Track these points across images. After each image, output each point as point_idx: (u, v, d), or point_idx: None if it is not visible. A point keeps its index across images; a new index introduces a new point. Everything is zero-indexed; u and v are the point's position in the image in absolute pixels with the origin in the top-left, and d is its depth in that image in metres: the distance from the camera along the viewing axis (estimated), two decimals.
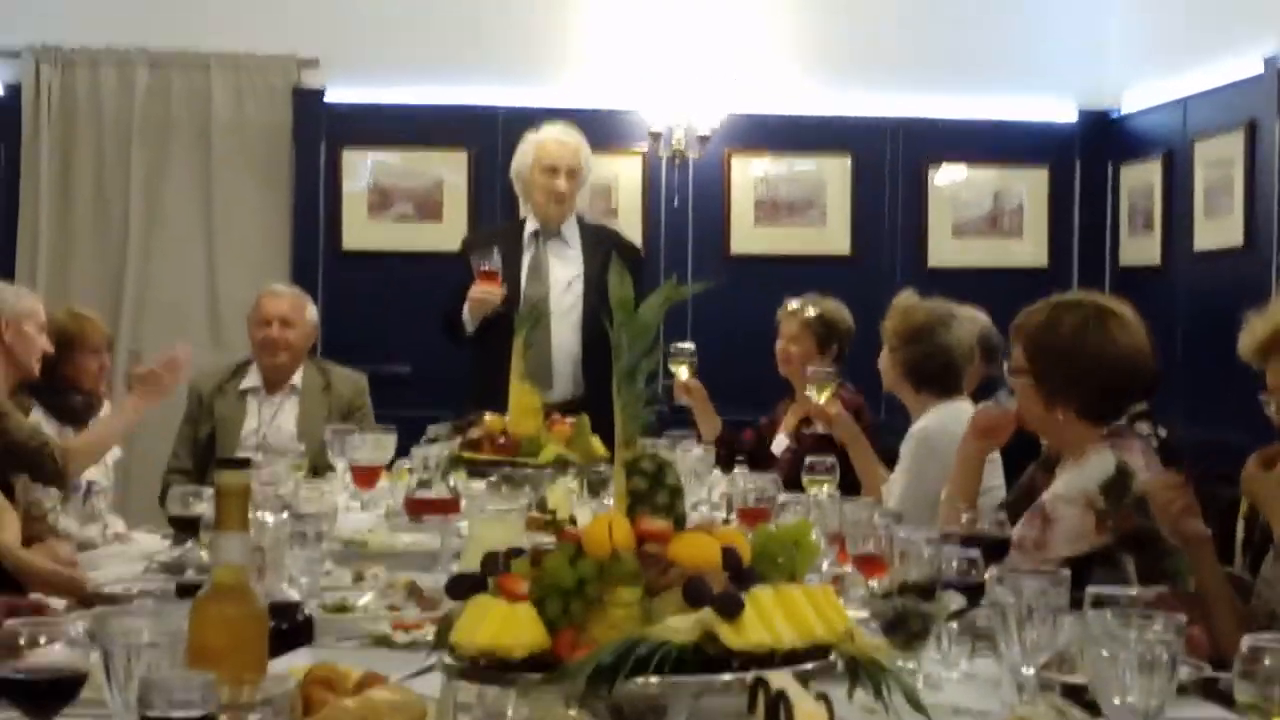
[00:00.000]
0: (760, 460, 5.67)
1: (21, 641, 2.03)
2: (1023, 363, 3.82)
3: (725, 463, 5.79)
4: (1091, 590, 2.49)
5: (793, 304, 6.03)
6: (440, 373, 7.12)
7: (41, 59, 8.16)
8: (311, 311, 6.34)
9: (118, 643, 2.05)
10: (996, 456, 4.86)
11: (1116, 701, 2.10)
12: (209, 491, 3.37)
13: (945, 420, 4.85)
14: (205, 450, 6.02)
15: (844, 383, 5.64)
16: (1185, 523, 3.41)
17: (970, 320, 5.33)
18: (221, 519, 2.00)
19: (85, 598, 3.61)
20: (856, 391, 5.76)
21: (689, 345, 5.89)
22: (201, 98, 8.28)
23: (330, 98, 8.37)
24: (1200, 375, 6.53)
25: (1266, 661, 2.07)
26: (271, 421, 6.10)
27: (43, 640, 2.04)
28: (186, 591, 2.92)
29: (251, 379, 6.22)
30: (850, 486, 4.97)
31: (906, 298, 5.20)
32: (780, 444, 5.84)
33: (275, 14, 8.31)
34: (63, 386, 5.65)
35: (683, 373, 5.86)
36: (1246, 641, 2.12)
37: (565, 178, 6.16)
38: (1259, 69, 7.19)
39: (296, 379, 6.21)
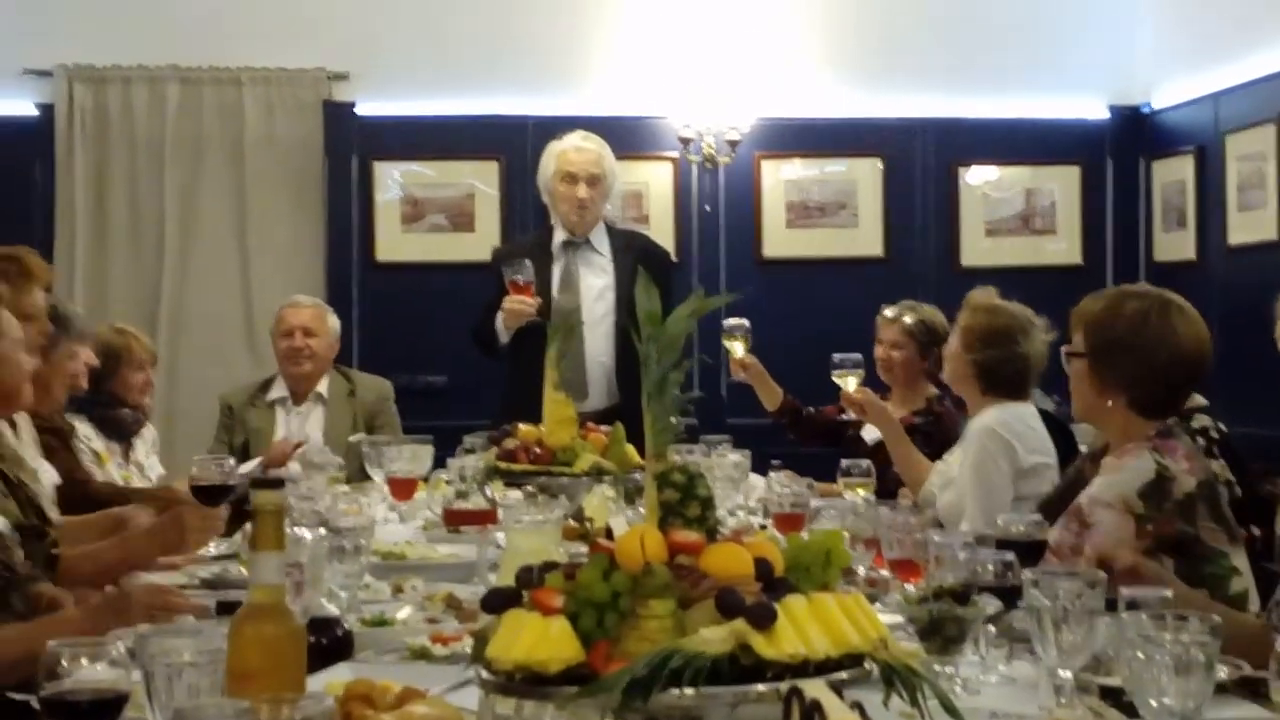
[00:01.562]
0: (851, 445, 5.71)
1: (64, 662, 2.05)
2: (1080, 347, 3.76)
3: (793, 426, 5.84)
4: (1126, 593, 2.48)
5: (889, 311, 5.99)
6: (476, 383, 7.14)
7: (74, 78, 8.23)
8: (333, 321, 6.42)
9: (159, 662, 2.07)
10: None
11: (1153, 704, 2.10)
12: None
13: (1009, 417, 4.82)
14: (239, 461, 6.04)
15: (943, 396, 5.65)
16: (1143, 569, 3.34)
17: (1044, 329, 5.27)
18: (257, 539, 2.02)
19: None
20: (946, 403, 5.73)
21: (743, 322, 5.83)
22: (233, 113, 8.33)
23: (361, 110, 8.41)
24: (1237, 371, 6.49)
25: None
26: (300, 431, 6.17)
27: (85, 660, 2.06)
28: (227, 609, 2.93)
29: (278, 390, 6.32)
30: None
31: (986, 296, 5.14)
32: (874, 432, 5.76)
33: (305, 29, 8.36)
34: (109, 401, 5.75)
35: (737, 349, 5.82)
36: None
37: (586, 185, 6.11)
38: None
39: (322, 388, 6.30)
